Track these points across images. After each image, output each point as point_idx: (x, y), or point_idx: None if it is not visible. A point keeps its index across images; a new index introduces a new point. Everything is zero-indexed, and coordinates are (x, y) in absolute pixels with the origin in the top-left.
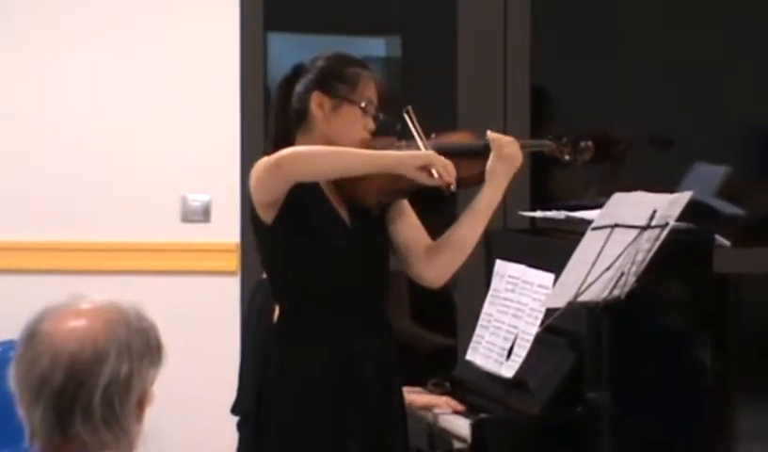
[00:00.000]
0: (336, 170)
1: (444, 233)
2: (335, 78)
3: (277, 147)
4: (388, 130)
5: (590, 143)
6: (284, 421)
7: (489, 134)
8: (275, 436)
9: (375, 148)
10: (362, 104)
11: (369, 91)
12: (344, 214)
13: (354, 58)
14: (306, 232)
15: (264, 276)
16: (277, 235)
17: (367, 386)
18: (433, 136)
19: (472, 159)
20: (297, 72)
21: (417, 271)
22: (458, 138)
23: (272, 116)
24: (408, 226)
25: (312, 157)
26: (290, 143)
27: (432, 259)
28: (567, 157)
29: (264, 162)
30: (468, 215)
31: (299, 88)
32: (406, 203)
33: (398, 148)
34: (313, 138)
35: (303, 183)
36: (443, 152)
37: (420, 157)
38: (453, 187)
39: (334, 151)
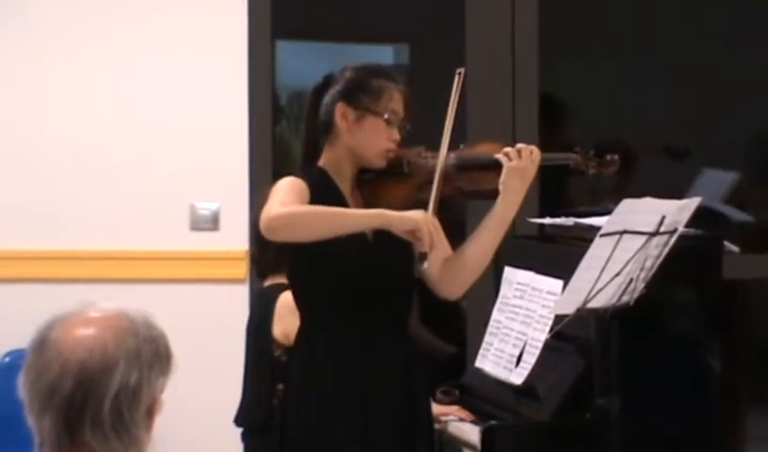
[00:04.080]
0: (327, 233)
1: (460, 246)
2: (360, 89)
3: (306, 157)
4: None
5: (616, 157)
6: (308, 427)
7: (503, 153)
8: (298, 444)
9: (402, 157)
10: (386, 116)
11: (393, 103)
12: None
13: (381, 69)
14: (327, 245)
15: (264, 285)
16: (298, 248)
17: (391, 396)
18: (462, 147)
19: (489, 172)
20: (328, 82)
21: (434, 284)
22: (482, 150)
23: (302, 126)
24: None
25: (304, 223)
26: (318, 153)
27: (448, 273)
28: (591, 171)
29: (268, 210)
30: (482, 229)
31: (327, 98)
32: None
33: (425, 159)
34: (337, 150)
35: (326, 194)
36: (463, 165)
37: (409, 221)
38: (425, 264)
39: (323, 214)
